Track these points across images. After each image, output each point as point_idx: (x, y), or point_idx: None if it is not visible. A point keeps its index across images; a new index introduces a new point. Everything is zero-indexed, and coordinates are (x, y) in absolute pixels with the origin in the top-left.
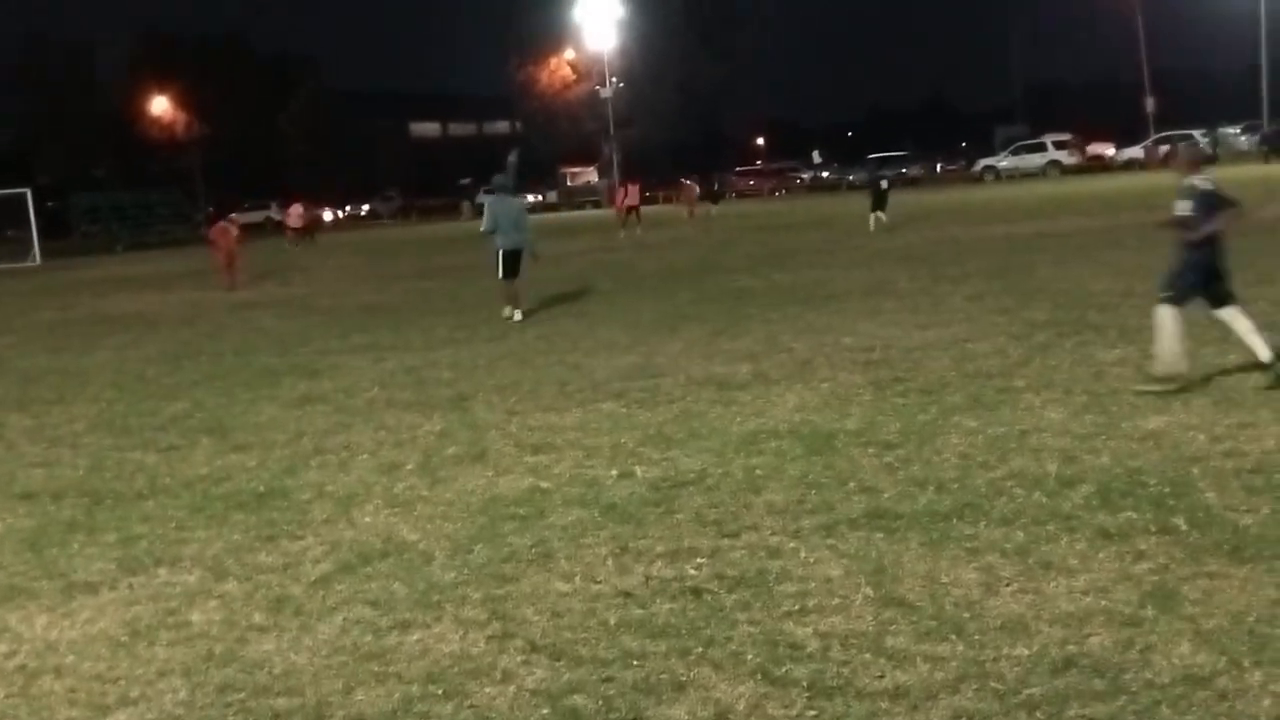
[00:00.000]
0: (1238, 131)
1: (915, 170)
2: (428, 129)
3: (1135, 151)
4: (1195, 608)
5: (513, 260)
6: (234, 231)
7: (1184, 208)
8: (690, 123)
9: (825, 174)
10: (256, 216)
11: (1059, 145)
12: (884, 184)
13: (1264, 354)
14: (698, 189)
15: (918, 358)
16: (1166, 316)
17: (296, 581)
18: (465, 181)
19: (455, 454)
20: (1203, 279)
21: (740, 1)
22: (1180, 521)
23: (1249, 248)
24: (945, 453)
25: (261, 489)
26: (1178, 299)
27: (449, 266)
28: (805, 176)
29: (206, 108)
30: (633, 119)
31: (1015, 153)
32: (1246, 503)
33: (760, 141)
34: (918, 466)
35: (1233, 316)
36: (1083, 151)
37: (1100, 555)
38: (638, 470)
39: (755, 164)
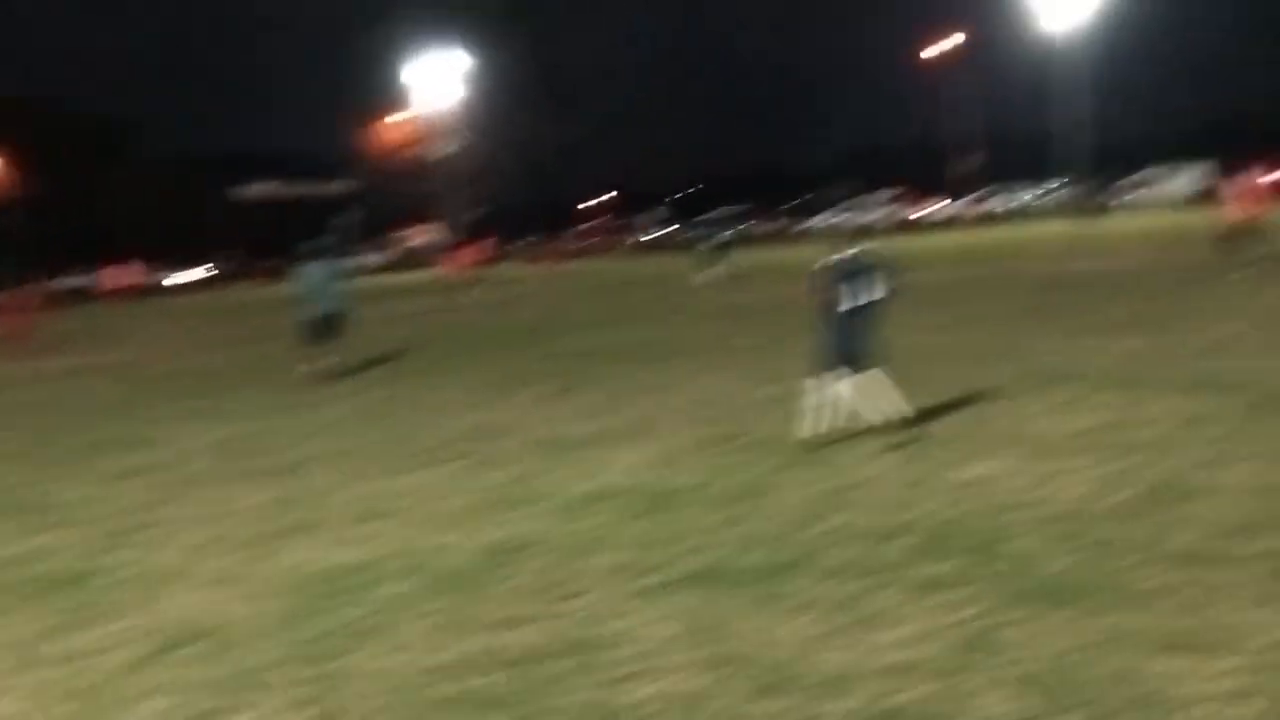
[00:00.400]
0: (1055, 187)
1: (753, 227)
2: (263, 189)
3: (956, 208)
4: (1011, 653)
5: (323, 325)
6: (18, 300)
7: (824, 281)
8: (534, 182)
9: (668, 231)
10: (78, 281)
11: (887, 202)
12: (717, 241)
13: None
14: (556, 246)
15: (755, 413)
16: (839, 388)
17: (106, 668)
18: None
19: (284, 525)
20: (848, 345)
21: (584, 62)
22: (999, 568)
23: (1061, 301)
24: (779, 507)
25: (75, 569)
26: (836, 368)
27: (282, 329)
28: (648, 235)
29: (26, 170)
30: (476, 178)
31: (845, 210)
32: (1059, 549)
33: (604, 200)
34: (751, 522)
35: (856, 386)
36: (913, 207)
37: (923, 605)
38: (474, 535)
39: (598, 221)
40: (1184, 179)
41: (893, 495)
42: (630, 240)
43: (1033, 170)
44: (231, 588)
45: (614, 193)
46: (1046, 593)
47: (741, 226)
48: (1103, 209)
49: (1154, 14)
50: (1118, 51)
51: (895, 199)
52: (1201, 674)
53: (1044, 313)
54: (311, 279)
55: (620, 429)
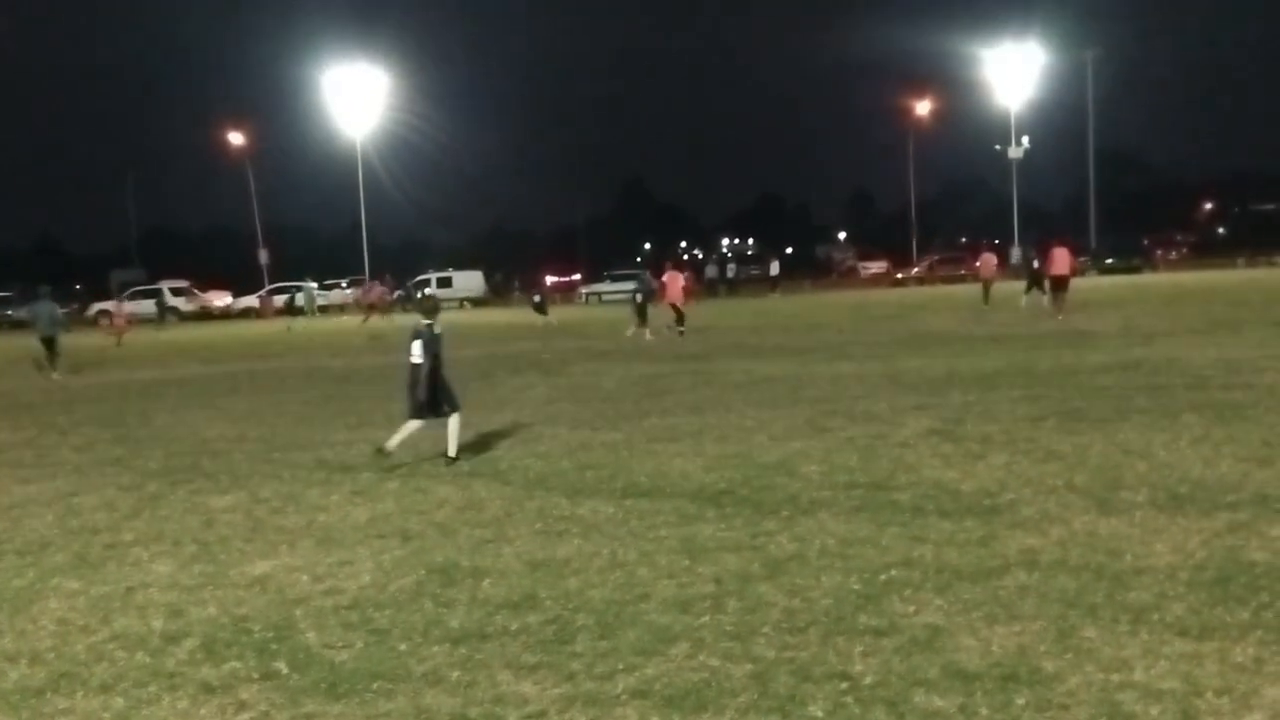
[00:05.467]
0: (344, 285)
1: (21, 313)
2: None
3: (251, 300)
4: None
5: None
6: None
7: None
8: None
9: None
10: None
11: (176, 292)
12: None
13: (453, 451)
14: None
15: (17, 516)
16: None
17: None
18: None
19: None
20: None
21: None
22: (282, 665)
23: (352, 394)
24: (43, 619)
25: None
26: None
27: None
28: None
29: None
30: None
31: (132, 297)
32: (343, 638)
33: None
34: (9, 639)
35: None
36: (205, 297)
37: (202, 712)
38: None
39: None
40: (468, 282)
41: (172, 599)
42: None
43: (317, 267)
44: None
45: None
46: (329, 685)
47: (8, 312)
48: (390, 307)
49: (429, 131)
50: (393, 159)
51: (179, 291)
52: None
53: (337, 404)
54: None
55: None
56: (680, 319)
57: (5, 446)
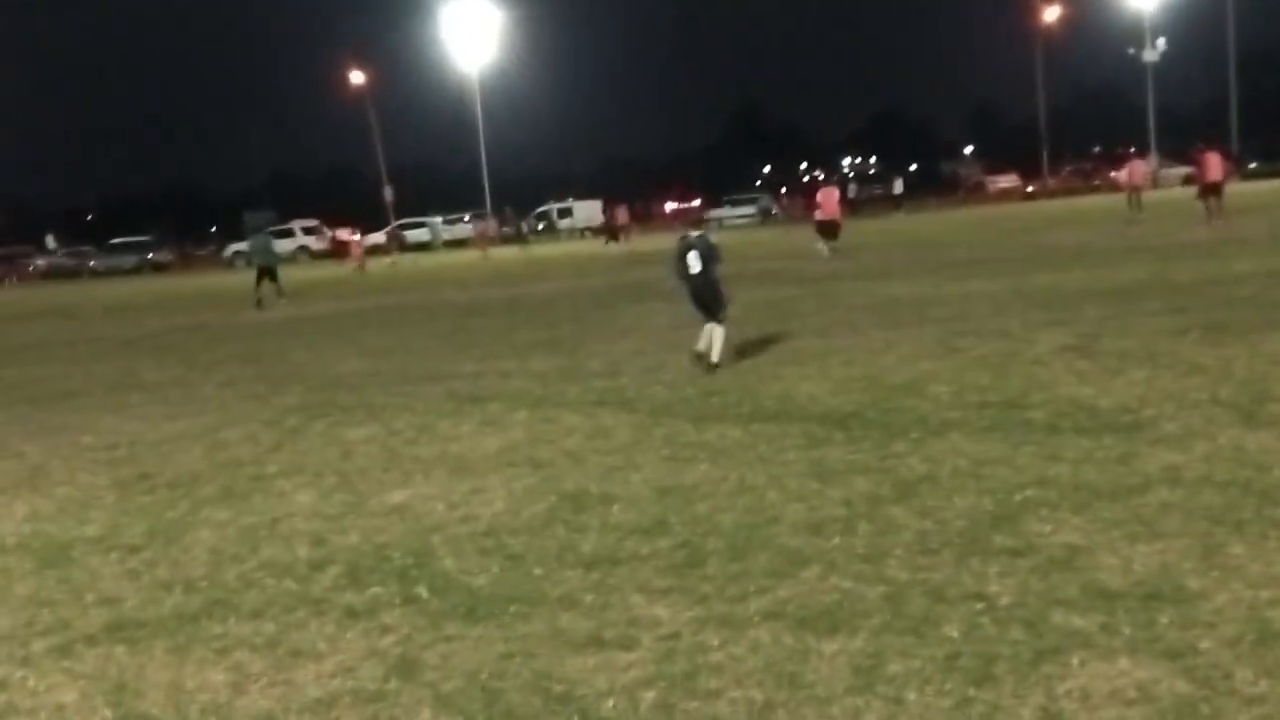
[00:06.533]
0: (466, 219)
1: (163, 255)
2: None
3: (379, 237)
4: (435, 673)
5: None
6: None
7: (694, 257)
8: None
9: (63, 259)
10: None
11: (307, 231)
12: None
13: (715, 357)
14: None
15: (167, 451)
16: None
17: None
18: None
19: None
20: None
21: None
22: (422, 590)
23: (479, 326)
24: (195, 549)
25: None
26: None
27: None
28: (40, 263)
29: None
30: None
31: (265, 237)
32: (480, 564)
33: None
34: (164, 568)
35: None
36: (333, 236)
37: (348, 635)
38: None
39: None
40: (588, 212)
41: (315, 528)
42: (21, 268)
43: (440, 202)
44: None
45: (2, 214)
46: (467, 609)
47: (149, 255)
48: (514, 239)
49: (546, 63)
50: (513, 92)
51: (310, 230)
52: (611, 668)
53: (464, 337)
54: None
55: (7, 478)
56: (836, 235)
57: (154, 385)
